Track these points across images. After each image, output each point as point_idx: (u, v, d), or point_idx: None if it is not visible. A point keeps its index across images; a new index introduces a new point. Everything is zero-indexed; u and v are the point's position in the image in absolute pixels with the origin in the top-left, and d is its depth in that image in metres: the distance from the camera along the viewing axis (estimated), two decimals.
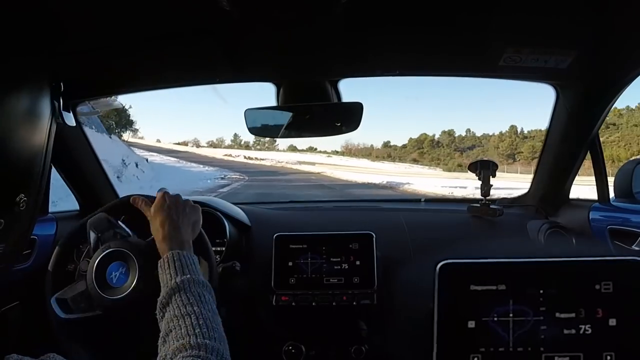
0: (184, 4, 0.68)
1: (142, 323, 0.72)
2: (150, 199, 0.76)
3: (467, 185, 13.27)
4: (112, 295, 0.71)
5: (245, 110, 0.99)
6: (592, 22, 0.72)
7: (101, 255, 0.73)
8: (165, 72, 0.95)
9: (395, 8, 0.71)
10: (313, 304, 0.96)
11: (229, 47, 0.80)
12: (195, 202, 1.05)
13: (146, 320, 0.73)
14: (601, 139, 1.06)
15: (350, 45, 0.82)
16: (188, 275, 0.59)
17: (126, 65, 0.89)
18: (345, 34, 0.77)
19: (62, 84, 0.73)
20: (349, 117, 0.98)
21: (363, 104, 0.95)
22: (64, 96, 0.84)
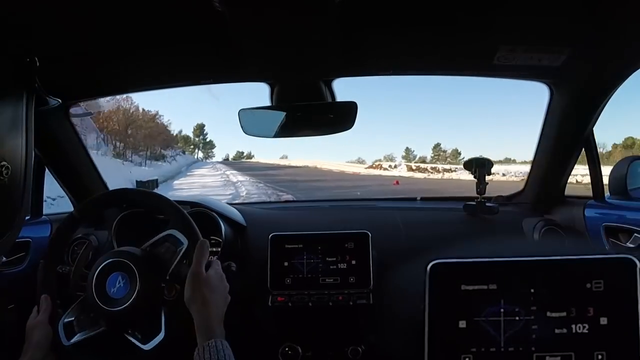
0: (176, 5, 0.68)
1: (142, 333, 0.73)
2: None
3: None
4: (112, 307, 0.71)
5: (239, 111, 0.99)
6: (585, 19, 0.72)
7: (100, 266, 0.73)
8: (159, 72, 0.95)
9: (389, 8, 0.70)
10: (309, 304, 0.96)
11: (222, 47, 0.80)
12: (189, 202, 1.06)
13: (146, 330, 0.73)
14: None
15: (344, 45, 0.81)
16: None
17: (119, 66, 0.89)
18: (339, 34, 0.77)
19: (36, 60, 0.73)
20: (343, 116, 0.98)
21: (357, 103, 0.95)
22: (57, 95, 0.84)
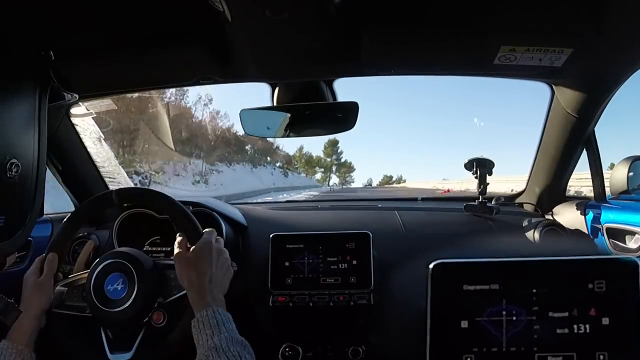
0: (176, 5, 0.68)
1: (137, 335, 0.72)
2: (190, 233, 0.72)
3: None
4: (109, 308, 0.70)
5: (241, 111, 0.99)
6: (587, 19, 0.72)
7: (100, 267, 0.73)
8: (158, 72, 0.95)
9: (389, 7, 0.70)
10: (310, 304, 0.96)
11: (222, 47, 0.80)
12: (190, 202, 1.06)
13: (140, 331, 0.73)
14: None
15: (345, 45, 0.81)
16: (226, 334, 0.58)
17: (119, 66, 0.89)
18: (340, 34, 0.77)
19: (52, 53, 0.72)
20: (344, 116, 0.98)
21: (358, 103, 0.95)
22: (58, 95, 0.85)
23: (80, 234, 1.08)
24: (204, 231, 0.74)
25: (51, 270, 0.74)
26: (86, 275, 0.75)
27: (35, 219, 0.69)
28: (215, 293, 0.65)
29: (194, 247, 0.69)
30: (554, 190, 1.17)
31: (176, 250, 0.70)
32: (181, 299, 0.69)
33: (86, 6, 0.66)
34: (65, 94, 0.84)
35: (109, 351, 0.71)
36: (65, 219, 0.80)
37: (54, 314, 0.73)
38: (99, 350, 0.72)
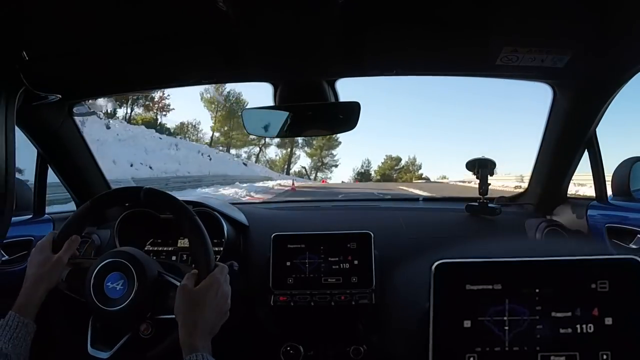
0: (180, 4, 0.68)
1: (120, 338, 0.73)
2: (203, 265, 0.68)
3: None
4: (109, 306, 0.70)
5: (243, 111, 0.99)
6: (589, 20, 0.72)
7: (99, 266, 0.73)
8: (161, 72, 0.95)
9: (392, 8, 0.71)
10: (312, 304, 0.97)
11: (226, 47, 0.80)
12: (192, 202, 1.06)
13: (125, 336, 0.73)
14: None
15: (347, 45, 0.81)
16: None
17: (122, 65, 0.89)
18: (342, 34, 0.77)
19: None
20: (346, 116, 0.98)
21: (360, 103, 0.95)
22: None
23: (82, 233, 1.08)
24: (216, 264, 0.70)
25: (71, 248, 0.75)
26: (93, 261, 0.75)
27: (10, 215, 0.69)
28: (206, 338, 0.63)
29: (200, 285, 0.66)
30: (555, 191, 1.17)
31: (183, 281, 0.67)
32: (173, 321, 0.68)
33: (90, 6, 0.66)
34: (43, 95, 0.84)
35: (90, 344, 0.72)
36: (91, 199, 0.79)
37: (53, 289, 0.73)
38: (81, 339, 0.72)
